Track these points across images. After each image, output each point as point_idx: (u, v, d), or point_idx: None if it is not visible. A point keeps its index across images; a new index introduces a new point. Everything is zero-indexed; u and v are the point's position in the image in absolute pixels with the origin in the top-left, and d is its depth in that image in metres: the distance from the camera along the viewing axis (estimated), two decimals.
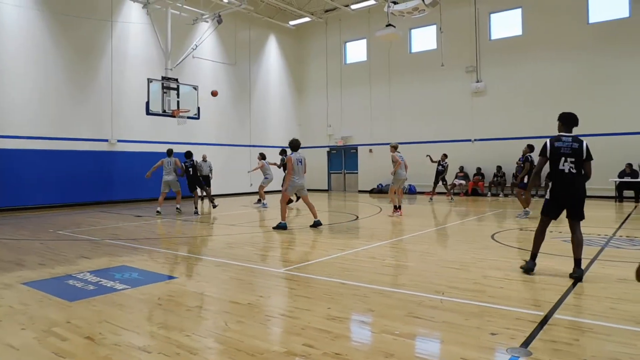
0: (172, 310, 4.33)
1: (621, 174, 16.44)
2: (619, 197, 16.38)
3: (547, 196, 5.54)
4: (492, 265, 6.08)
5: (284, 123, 25.04)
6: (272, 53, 24.61)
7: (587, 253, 6.81)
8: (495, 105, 19.70)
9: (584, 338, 3.52)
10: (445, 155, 17.57)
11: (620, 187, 16.40)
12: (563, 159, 5.42)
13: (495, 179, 19.43)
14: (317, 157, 25.32)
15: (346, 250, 7.26)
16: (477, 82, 20.06)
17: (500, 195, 19.01)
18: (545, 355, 3.19)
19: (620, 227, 9.76)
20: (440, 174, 17.41)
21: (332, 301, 4.54)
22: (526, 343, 3.39)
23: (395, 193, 12.33)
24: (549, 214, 5.54)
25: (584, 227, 9.68)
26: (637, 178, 16.19)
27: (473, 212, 13.55)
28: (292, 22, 24.51)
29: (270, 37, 24.37)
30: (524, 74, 19.04)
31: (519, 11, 19.50)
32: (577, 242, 5.38)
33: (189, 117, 15.72)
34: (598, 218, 11.26)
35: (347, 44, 24.63)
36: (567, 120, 5.57)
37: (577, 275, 5.22)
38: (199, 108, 16.09)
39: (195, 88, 16.16)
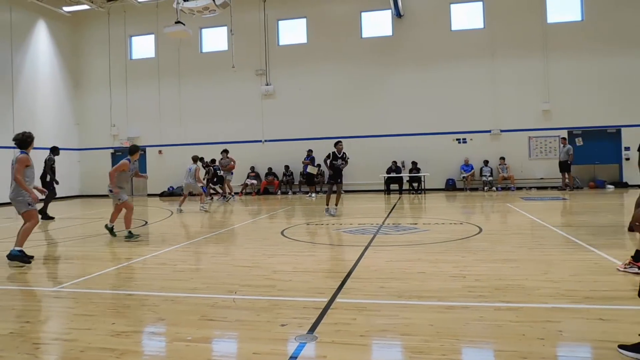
0: None
1: (388, 170, 19.10)
2: (387, 190, 19.00)
3: None
4: (282, 260, 6.38)
5: (59, 121, 22.11)
6: (42, 41, 21.45)
7: (361, 240, 7.69)
8: (284, 108, 20.81)
9: (360, 316, 3.95)
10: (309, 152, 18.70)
11: (388, 181, 19.05)
12: None
13: (285, 177, 20.54)
14: (99, 159, 22.99)
15: (134, 258, 6.77)
16: (267, 85, 20.91)
17: (289, 193, 20.17)
18: (329, 337, 3.48)
19: (388, 216, 11.29)
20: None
21: (117, 315, 4.17)
22: (312, 329, 3.64)
23: None
24: None
25: (359, 218, 10.95)
26: (400, 173, 19.01)
27: (265, 210, 14.07)
28: (66, 8, 21.76)
29: (39, 22, 21.20)
30: (309, 79, 20.56)
31: (304, 21, 20.98)
32: None
33: None
34: (370, 209, 12.82)
35: (133, 38, 23.03)
36: None
37: None
38: None
39: None
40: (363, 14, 20.39)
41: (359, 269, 5.67)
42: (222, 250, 7.53)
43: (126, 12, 22.32)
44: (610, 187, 17.65)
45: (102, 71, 22.94)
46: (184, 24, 15.79)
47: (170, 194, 21.24)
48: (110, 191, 8.74)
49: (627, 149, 18.11)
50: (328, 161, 11.34)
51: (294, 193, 20.24)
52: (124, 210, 8.82)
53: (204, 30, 21.97)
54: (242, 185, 19.18)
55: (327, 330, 3.62)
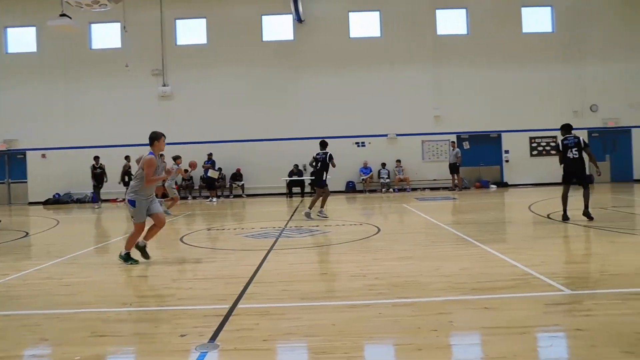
0: None
1: (290, 174, 19.21)
2: (290, 193, 19.10)
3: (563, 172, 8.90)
4: (182, 268, 6.13)
5: None
6: None
7: (264, 244, 7.64)
8: (183, 110, 20.06)
9: (263, 321, 3.90)
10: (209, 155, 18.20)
11: (290, 184, 19.16)
12: (569, 150, 8.74)
13: (184, 182, 19.79)
14: None
15: (12, 274, 6.07)
16: (164, 85, 20.04)
17: (189, 199, 19.49)
18: (231, 344, 3.39)
19: (290, 219, 11.34)
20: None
21: None
22: (214, 337, 3.52)
23: None
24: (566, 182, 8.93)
25: (261, 222, 10.88)
26: (302, 177, 19.21)
27: None
28: None
29: None
30: (209, 81, 20.03)
31: (203, 21, 20.42)
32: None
33: None
34: (273, 213, 12.78)
35: (9, 29, 20.84)
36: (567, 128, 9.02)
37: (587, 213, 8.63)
38: None
39: None
40: (264, 17, 20.35)
41: (261, 274, 5.61)
42: (115, 260, 7.03)
43: (0, 1, 20.17)
44: (493, 187, 19.35)
45: None
46: (70, 17, 14.63)
47: (56, 201, 19.49)
48: (129, 202, 6.42)
49: (507, 152, 20.04)
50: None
51: (194, 198, 19.61)
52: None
53: (94, 26, 20.54)
54: None
55: (229, 337, 3.53)
